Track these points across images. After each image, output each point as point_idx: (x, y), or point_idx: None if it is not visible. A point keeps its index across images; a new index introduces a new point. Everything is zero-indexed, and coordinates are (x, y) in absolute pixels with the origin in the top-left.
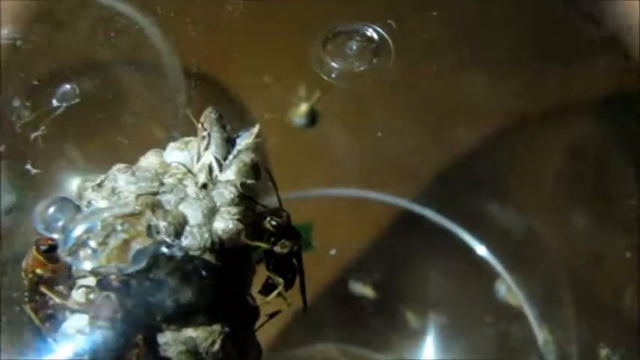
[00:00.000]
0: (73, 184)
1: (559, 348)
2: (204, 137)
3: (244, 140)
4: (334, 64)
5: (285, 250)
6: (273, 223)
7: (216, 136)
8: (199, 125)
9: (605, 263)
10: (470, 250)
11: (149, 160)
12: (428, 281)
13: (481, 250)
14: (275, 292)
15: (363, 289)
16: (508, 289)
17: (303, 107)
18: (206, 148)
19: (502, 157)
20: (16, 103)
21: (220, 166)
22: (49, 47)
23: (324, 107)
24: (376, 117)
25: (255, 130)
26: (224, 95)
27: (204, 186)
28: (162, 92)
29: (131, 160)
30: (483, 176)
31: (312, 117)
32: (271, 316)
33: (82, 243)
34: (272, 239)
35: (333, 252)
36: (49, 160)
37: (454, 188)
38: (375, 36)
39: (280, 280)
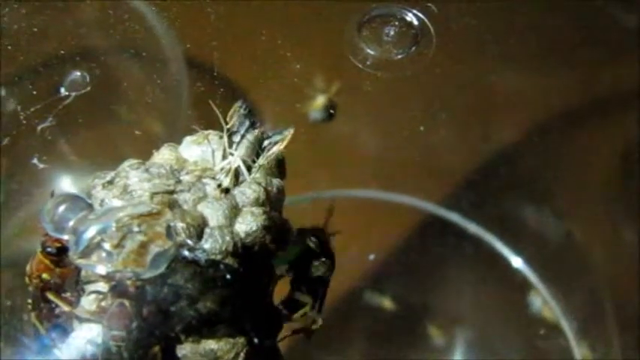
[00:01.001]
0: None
1: None
2: (231, 133)
3: (276, 145)
4: (370, 51)
5: (318, 274)
6: (312, 243)
7: (247, 137)
8: (224, 121)
9: None
10: (501, 259)
11: (163, 155)
12: (454, 293)
13: (514, 259)
14: (302, 311)
15: (381, 301)
16: (543, 301)
17: (320, 100)
18: (231, 146)
19: (541, 157)
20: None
21: (249, 169)
22: (50, 34)
23: (343, 100)
24: (403, 111)
25: (289, 134)
26: (233, 86)
27: (227, 191)
28: (164, 84)
29: (132, 155)
30: (518, 178)
31: (330, 111)
32: (295, 332)
33: (95, 245)
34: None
35: (371, 257)
36: (55, 155)
37: (485, 190)
38: (415, 21)
39: (307, 299)
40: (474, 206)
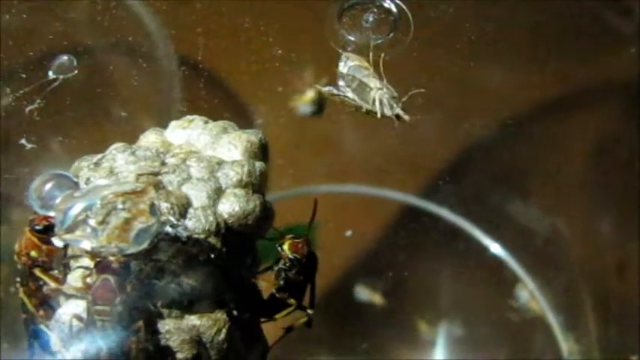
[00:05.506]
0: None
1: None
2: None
3: None
4: (350, 37)
5: (300, 278)
6: (290, 258)
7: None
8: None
9: (629, 271)
10: (487, 253)
11: (149, 138)
12: (441, 287)
13: (500, 252)
14: (285, 312)
15: (370, 296)
16: (530, 294)
17: (310, 93)
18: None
19: (525, 151)
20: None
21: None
22: (39, 31)
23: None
24: None
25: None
26: (221, 80)
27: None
28: (155, 82)
29: None
30: (503, 172)
31: (320, 104)
32: (288, 330)
33: (80, 222)
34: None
35: (349, 233)
36: (44, 136)
37: (471, 185)
38: (393, 8)
39: (292, 301)
40: (459, 202)
